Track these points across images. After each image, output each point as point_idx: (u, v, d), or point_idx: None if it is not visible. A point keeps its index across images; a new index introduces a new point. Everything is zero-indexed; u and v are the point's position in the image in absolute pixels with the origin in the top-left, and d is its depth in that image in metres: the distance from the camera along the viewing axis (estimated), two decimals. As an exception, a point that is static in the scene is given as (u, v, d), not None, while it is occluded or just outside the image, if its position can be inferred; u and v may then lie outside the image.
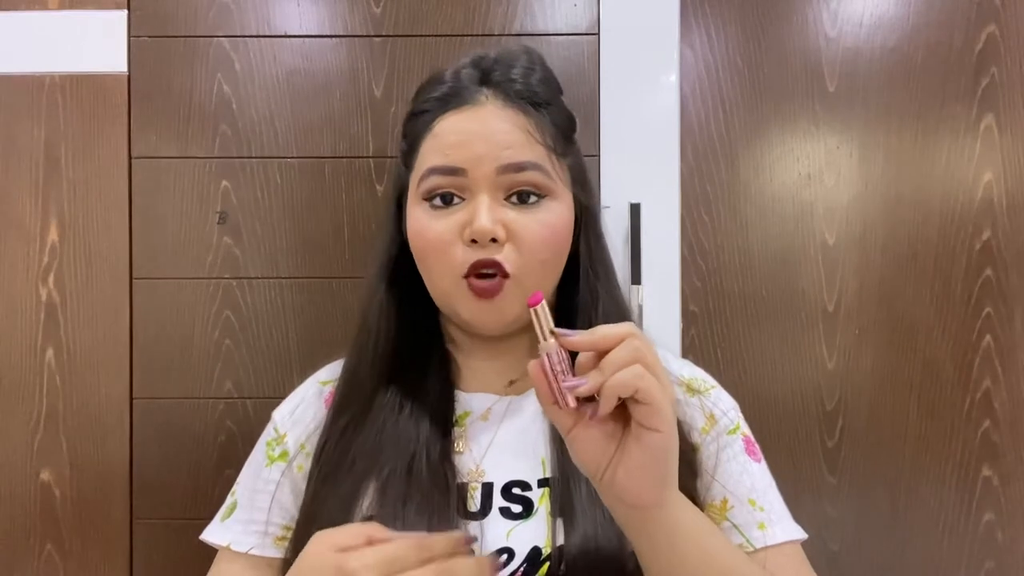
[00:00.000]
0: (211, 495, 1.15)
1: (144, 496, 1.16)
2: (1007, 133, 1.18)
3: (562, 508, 0.72)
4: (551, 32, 1.17)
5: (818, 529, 1.17)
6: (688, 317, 1.18)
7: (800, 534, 0.79)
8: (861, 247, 1.18)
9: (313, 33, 1.17)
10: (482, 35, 1.17)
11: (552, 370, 0.58)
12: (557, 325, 0.83)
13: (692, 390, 0.83)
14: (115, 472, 1.16)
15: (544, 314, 0.59)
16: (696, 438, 0.80)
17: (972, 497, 1.18)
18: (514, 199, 0.75)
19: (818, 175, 1.18)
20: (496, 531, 0.72)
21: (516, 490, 0.75)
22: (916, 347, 1.18)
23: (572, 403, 0.57)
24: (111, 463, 1.16)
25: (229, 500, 0.84)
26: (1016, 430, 1.18)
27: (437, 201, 0.75)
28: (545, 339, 0.59)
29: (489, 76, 0.77)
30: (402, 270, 0.81)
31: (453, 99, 0.77)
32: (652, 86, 1.17)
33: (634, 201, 1.15)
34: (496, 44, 1.16)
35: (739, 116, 1.19)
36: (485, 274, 0.74)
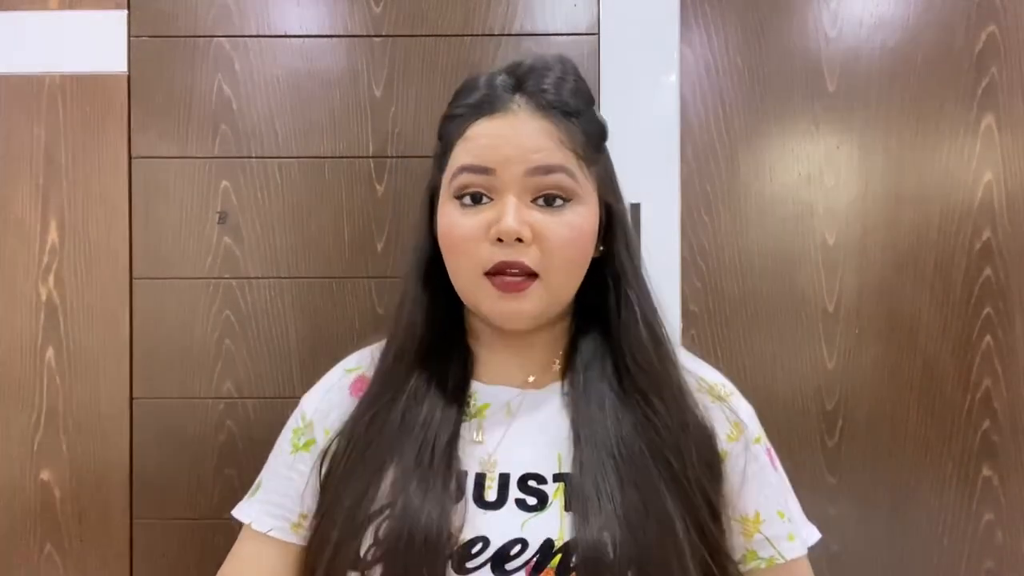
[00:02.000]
0: (211, 495, 1.15)
1: (144, 496, 1.16)
2: (1007, 133, 1.18)
3: (575, 503, 0.74)
4: (551, 32, 1.17)
5: (818, 529, 1.16)
6: (688, 317, 1.18)
7: (814, 536, 0.86)
8: (861, 247, 1.18)
9: (313, 33, 1.17)
10: (482, 35, 1.17)
11: None
12: (583, 326, 0.85)
13: (715, 396, 0.85)
14: (115, 472, 1.16)
15: None
16: (723, 445, 0.82)
17: (972, 497, 1.18)
18: (541, 202, 0.77)
19: (818, 175, 1.18)
20: (511, 521, 0.74)
21: (532, 483, 0.77)
22: (916, 347, 1.18)
23: None
24: (111, 463, 1.16)
25: (257, 480, 0.88)
26: (1016, 430, 1.18)
27: (467, 200, 0.78)
28: None
29: (522, 85, 0.80)
30: (433, 268, 0.83)
31: (486, 106, 0.79)
32: (652, 86, 1.17)
33: (634, 201, 1.15)
34: (496, 44, 1.17)
35: (739, 116, 1.19)
36: (512, 273, 0.76)
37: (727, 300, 1.18)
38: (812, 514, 1.16)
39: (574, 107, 0.80)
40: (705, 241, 1.18)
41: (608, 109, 1.16)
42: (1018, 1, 1.18)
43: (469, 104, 0.80)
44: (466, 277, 0.79)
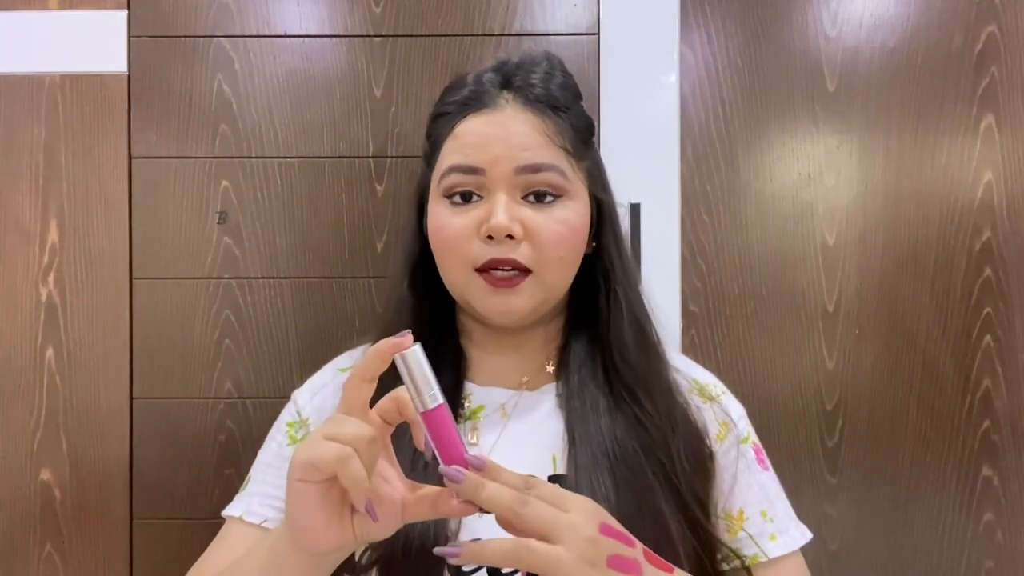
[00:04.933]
0: (211, 495, 1.15)
1: (144, 496, 1.16)
2: (1007, 133, 1.18)
3: None
4: (551, 32, 1.17)
5: (818, 529, 1.16)
6: (688, 317, 1.18)
7: (805, 537, 0.84)
8: (861, 247, 1.18)
9: (313, 33, 1.17)
10: (482, 35, 1.17)
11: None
12: (577, 326, 0.83)
13: (707, 396, 0.85)
14: (115, 472, 1.16)
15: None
16: (712, 445, 0.82)
17: (972, 497, 1.18)
18: (531, 198, 0.77)
19: (818, 175, 1.18)
20: None
21: None
22: (916, 347, 1.18)
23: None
24: (111, 463, 1.16)
25: (246, 478, 0.87)
26: (1016, 430, 1.18)
27: (457, 198, 0.78)
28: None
29: (510, 81, 0.79)
30: (423, 267, 0.83)
31: (474, 102, 0.79)
32: (652, 86, 1.17)
33: (634, 201, 1.15)
34: (496, 44, 1.17)
35: (739, 116, 1.19)
36: (503, 269, 0.76)
37: (727, 300, 1.18)
38: (812, 514, 1.16)
39: (563, 102, 0.80)
40: (705, 241, 1.18)
41: (608, 109, 1.16)
42: (1018, 1, 1.18)
43: (456, 101, 0.80)
44: (457, 275, 0.78)
